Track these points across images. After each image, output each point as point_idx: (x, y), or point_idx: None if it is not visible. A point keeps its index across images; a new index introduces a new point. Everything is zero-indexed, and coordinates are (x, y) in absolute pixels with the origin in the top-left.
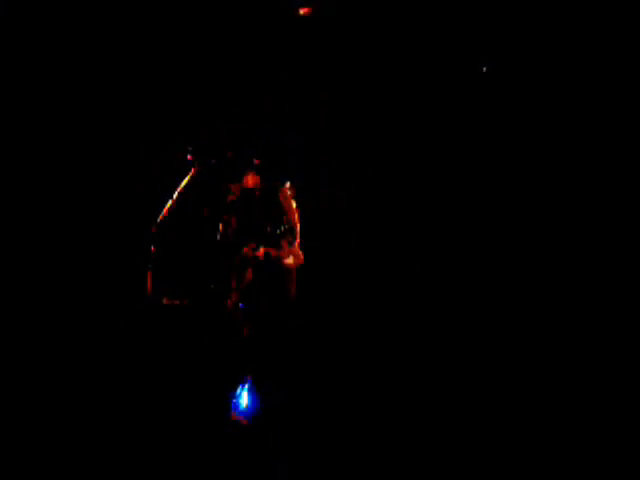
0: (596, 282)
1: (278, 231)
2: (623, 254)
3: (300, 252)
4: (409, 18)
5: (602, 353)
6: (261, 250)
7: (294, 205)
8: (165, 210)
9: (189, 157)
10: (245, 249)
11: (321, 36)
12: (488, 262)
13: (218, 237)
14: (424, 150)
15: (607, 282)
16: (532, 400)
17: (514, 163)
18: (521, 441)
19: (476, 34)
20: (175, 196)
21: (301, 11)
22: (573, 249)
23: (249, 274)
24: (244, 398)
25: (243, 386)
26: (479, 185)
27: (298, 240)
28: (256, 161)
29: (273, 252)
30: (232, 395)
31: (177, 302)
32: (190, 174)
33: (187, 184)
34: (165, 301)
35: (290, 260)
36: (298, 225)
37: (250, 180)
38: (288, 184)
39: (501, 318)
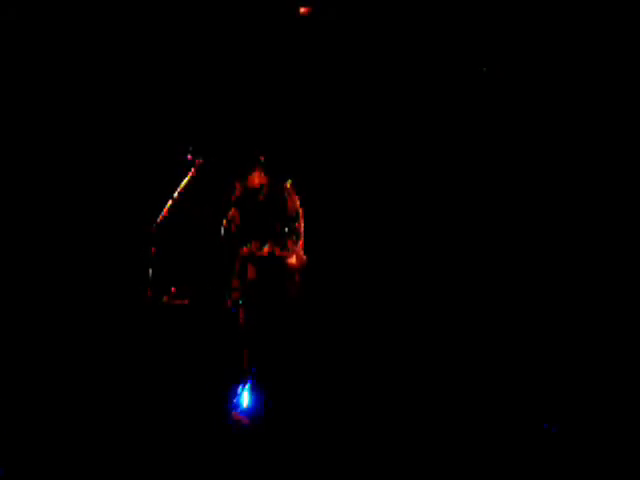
0: (595, 282)
1: (285, 230)
2: (623, 254)
3: (303, 252)
4: (409, 18)
5: (602, 353)
6: (265, 249)
7: (299, 204)
8: (165, 210)
9: (189, 157)
10: (248, 248)
11: (322, 35)
12: (489, 260)
13: (221, 236)
14: (426, 150)
15: (606, 282)
16: (530, 400)
17: (514, 164)
18: (519, 441)
19: (476, 34)
20: (175, 196)
21: (301, 10)
22: (573, 249)
23: (252, 273)
24: (245, 397)
25: (244, 385)
26: (479, 184)
27: (302, 240)
28: (261, 157)
29: (277, 251)
30: (233, 394)
31: (178, 301)
32: (190, 174)
33: (187, 183)
34: (165, 300)
35: (293, 260)
36: (303, 225)
37: (256, 178)
38: (289, 182)
39: (501, 319)
